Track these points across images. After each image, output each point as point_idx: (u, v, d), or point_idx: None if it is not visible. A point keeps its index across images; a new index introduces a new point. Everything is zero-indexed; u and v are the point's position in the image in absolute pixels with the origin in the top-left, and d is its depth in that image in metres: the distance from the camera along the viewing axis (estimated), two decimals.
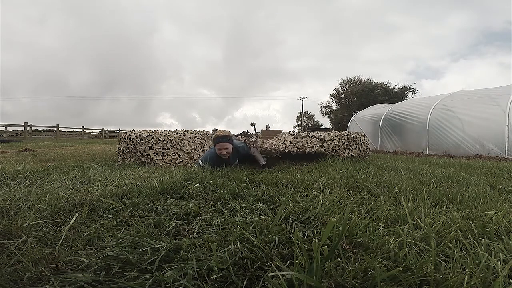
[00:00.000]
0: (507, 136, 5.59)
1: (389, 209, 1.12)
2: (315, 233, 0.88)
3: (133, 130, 3.13)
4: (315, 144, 3.14)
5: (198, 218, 1.05)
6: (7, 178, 1.69)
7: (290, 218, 1.00)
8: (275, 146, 3.26)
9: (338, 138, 3.27)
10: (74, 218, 0.96)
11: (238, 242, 0.77)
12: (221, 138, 2.46)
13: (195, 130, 3.78)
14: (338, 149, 3.20)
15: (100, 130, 23.73)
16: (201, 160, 2.52)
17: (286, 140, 3.33)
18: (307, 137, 3.23)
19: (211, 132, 3.97)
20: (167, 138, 3.05)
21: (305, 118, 39.69)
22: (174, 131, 3.34)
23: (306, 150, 3.08)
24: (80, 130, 20.82)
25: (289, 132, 3.78)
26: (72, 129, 21.89)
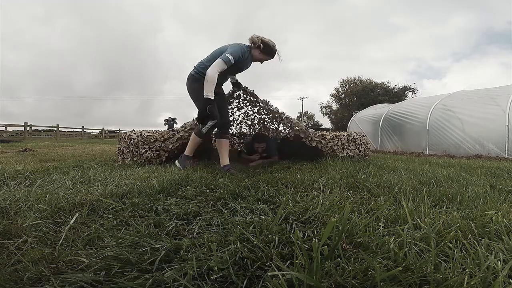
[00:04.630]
0: (507, 136, 5.59)
1: (389, 209, 1.11)
2: (315, 233, 0.88)
3: (133, 130, 3.13)
4: (315, 136, 3.08)
5: (198, 218, 1.04)
6: (7, 178, 1.69)
7: (290, 218, 1.00)
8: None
9: (338, 139, 3.27)
10: (74, 218, 0.96)
11: (238, 242, 0.77)
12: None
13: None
14: (336, 148, 3.20)
15: (100, 130, 23.75)
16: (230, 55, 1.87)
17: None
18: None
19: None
20: None
21: (305, 118, 39.69)
22: None
23: (307, 140, 2.97)
24: (80, 130, 20.84)
25: None
26: (72, 129, 21.92)
